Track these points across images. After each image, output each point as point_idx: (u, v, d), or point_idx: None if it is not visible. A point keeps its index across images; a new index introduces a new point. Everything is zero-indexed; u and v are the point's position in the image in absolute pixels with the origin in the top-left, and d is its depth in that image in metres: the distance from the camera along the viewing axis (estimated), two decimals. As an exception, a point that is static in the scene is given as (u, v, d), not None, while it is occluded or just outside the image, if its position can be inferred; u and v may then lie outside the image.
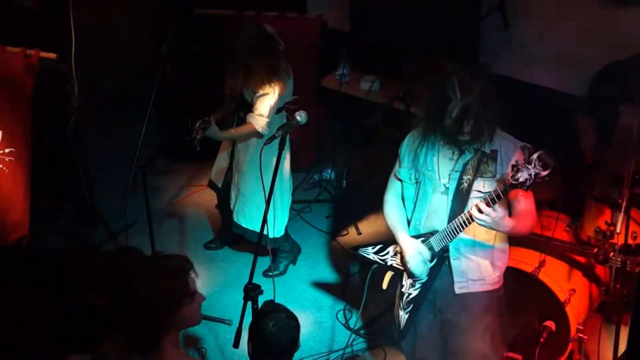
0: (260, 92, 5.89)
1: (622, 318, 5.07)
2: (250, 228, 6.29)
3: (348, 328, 6.10)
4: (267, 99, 5.90)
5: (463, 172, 4.54)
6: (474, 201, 4.47)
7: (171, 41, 5.83)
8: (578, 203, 5.75)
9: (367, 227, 7.15)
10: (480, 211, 4.30)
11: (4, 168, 5.82)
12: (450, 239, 4.58)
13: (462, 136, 4.44)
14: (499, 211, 4.33)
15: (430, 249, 4.69)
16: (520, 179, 4.13)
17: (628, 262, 5.14)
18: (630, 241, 5.20)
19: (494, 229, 4.42)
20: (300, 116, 4.89)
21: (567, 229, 5.75)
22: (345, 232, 7.12)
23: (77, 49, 6.08)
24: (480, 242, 4.66)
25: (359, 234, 7.08)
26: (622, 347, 5.06)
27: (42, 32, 6.31)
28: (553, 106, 6.78)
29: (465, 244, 4.66)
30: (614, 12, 6.46)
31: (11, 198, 5.87)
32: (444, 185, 4.60)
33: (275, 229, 6.33)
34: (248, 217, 6.29)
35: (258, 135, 5.95)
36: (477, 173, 4.51)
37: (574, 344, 5.38)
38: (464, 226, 4.48)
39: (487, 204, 4.29)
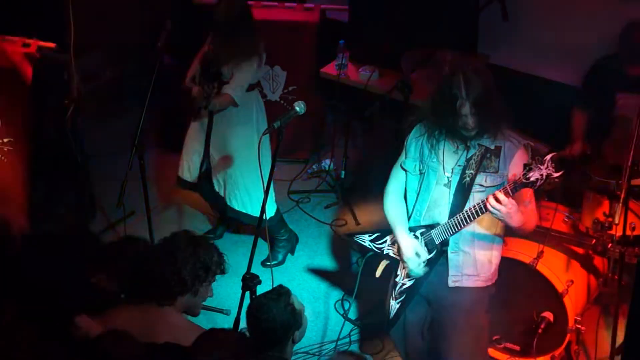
0: (241, 63, 5.95)
1: (620, 309, 5.08)
2: (244, 211, 6.31)
3: (346, 318, 6.10)
4: (247, 70, 5.97)
5: (466, 167, 4.55)
6: (476, 195, 4.51)
7: (169, 31, 5.82)
8: (577, 194, 5.76)
9: (366, 216, 7.15)
10: (497, 201, 4.30)
11: (3, 157, 5.82)
12: (452, 232, 4.59)
13: (467, 132, 4.46)
14: (514, 204, 4.33)
15: (430, 241, 4.68)
16: (532, 179, 4.16)
17: (626, 253, 5.15)
18: (628, 232, 5.21)
19: (505, 221, 4.42)
20: (299, 106, 4.88)
21: (566, 220, 5.75)
22: (343, 222, 7.12)
23: (76, 38, 6.07)
24: (479, 237, 4.68)
25: (358, 224, 7.08)
26: (620, 338, 5.07)
27: (42, 21, 6.31)
28: (552, 97, 6.79)
29: (465, 239, 4.67)
30: (614, 3, 6.46)
31: (10, 187, 5.87)
32: (447, 177, 4.61)
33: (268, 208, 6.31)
34: (240, 201, 6.29)
35: (234, 104, 6.00)
36: (480, 168, 4.52)
37: (572, 335, 5.39)
38: (469, 220, 4.48)
39: (506, 194, 4.30)
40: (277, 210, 6.48)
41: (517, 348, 5.53)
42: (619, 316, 5.06)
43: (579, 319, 5.35)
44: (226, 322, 5.19)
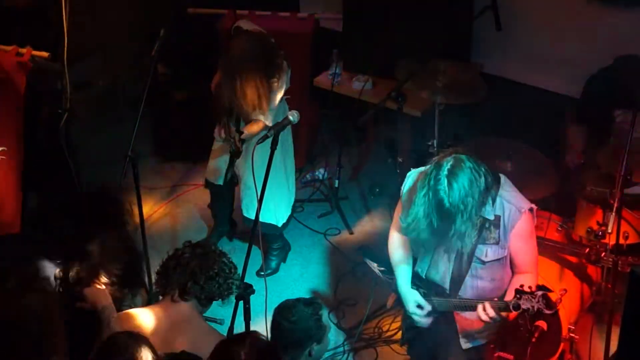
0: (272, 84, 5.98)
1: (613, 318, 5.08)
2: (260, 220, 6.26)
3: (340, 328, 6.10)
4: (274, 95, 6.00)
5: (465, 236, 4.28)
6: (477, 266, 4.41)
7: (163, 40, 5.82)
8: (570, 203, 5.76)
9: (359, 226, 7.15)
10: (485, 312, 4.28)
11: (-4, 167, 5.82)
12: (454, 310, 4.52)
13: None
14: (501, 315, 4.32)
15: (434, 308, 4.59)
16: (523, 306, 4.11)
17: (619, 262, 5.15)
18: (621, 241, 5.20)
19: None
20: (293, 116, 4.87)
21: (559, 229, 5.76)
22: (337, 231, 7.12)
23: (70, 47, 6.07)
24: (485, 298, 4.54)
25: (351, 233, 7.08)
26: (614, 347, 5.07)
27: (35, 30, 6.31)
28: (545, 106, 6.80)
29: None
30: (606, 13, 6.48)
31: (3, 196, 5.86)
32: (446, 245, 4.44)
33: (278, 216, 6.38)
34: (267, 211, 6.30)
35: (266, 128, 5.96)
36: (479, 240, 4.33)
37: (566, 344, 5.39)
38: (469, 309, 4.42)
39: (495, 309, 4.26)
40: (288, 220, 6.49)
41: (511, 357, 5.51)
42: (613, 325, 5.06)
43: (573, 327, 5.35)
44: (220, 331, 5.17)
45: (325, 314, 4.24)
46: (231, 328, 4.88)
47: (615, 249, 5.20)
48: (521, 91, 7.03)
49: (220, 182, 6.46)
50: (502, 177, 4.36)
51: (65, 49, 6.06)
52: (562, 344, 5.38)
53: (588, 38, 6.58)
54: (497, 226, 4.31)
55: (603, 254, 5.24)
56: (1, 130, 5.77)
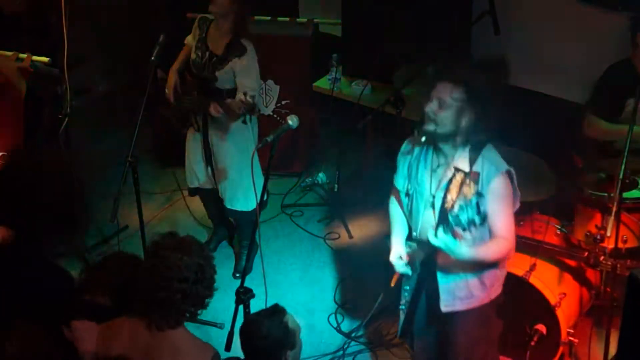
0: (243, 63, 5.96)
1: (612, 322, 5.09)
2: (249, 209, 6.29)
3: (340, 331, 6.11)
4: (254, 68, 6.02)
5: (447, 191, 4.40)
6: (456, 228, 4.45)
7: (163, 45, 5.83)
8: (569, 207, 5.77)
9: (359, 230, 7.16)
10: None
11: (-4, 172, 5.81)
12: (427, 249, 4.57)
13: (428, 122, 4.39)
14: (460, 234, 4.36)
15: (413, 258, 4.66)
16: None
17: (618, 265, 5.16)
18: (620, 245, 5.21)
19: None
20: (292, 120, 4.89)
21: (558, 232, 5.77)
22: (336, 236, 7.13)
23: (70, 53, 6.09)
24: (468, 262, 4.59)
25: (351, 237, 7.09)
26: (613, 351, 5.09)
27: (35, 36, 6.32)
28: (543, 110, 6.82)
29: (454, 264, 4.58)
30: (605, 17, 6.50)
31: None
32: (432, 196, 4.53)
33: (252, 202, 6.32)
34: (242, 200, 6.30)
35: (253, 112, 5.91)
36: (459, 195, 4.37)
37: (565, 348, 5.40)
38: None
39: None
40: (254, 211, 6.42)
41: (510, 361, 5.54)
42: (612, 329, 5.07)
43: (572, 331, 5.37)
44: (220, 336, 5.18)
45: (290, 317, 4.20)
46: (231, 332, 4.90)
47: (614, 253, 5.21)
48: (520, 95, 7.04)
49: (202, 181, 6.46)
50: (489, 144, 4.47)
51: (65, 54, 6.08)
52: (561, 348, 5.40)
53: (586, 42, 6.59)
54: (477, 182, 4.38)
55: (602, 257, 5.24)
56: (1, 136, 5.78)
